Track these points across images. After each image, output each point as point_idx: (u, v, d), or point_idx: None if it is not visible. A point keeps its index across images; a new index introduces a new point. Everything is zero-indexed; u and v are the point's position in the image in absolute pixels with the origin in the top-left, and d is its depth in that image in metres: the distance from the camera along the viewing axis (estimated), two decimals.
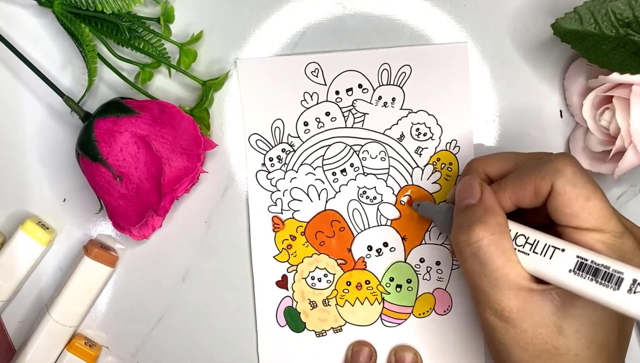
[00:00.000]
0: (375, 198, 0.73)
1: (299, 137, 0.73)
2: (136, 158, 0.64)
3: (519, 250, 0.57)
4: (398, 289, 0.74)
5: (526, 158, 0.63)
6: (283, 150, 0.73)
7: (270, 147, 0.73)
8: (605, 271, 0.51)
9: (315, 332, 0.75)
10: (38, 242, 0.72)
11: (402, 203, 0.73)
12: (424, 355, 0.74)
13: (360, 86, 0.72)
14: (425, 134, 0.73)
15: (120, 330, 0.76)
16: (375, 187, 0.73)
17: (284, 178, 0.73)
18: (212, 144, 0.70)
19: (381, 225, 0.73)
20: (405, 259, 0.74)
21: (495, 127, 0.73)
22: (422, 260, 0.74)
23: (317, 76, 0.73)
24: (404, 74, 0.72)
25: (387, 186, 0.73)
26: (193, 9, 0.73)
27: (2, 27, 0.73)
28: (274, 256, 0.74)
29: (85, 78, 0.72)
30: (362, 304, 0.74)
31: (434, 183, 0.73)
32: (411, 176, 0.73)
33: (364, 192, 0.73)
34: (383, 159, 0.73)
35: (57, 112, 0.74)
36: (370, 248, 0.74)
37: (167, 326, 0.76)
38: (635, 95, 0.63)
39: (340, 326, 0.74)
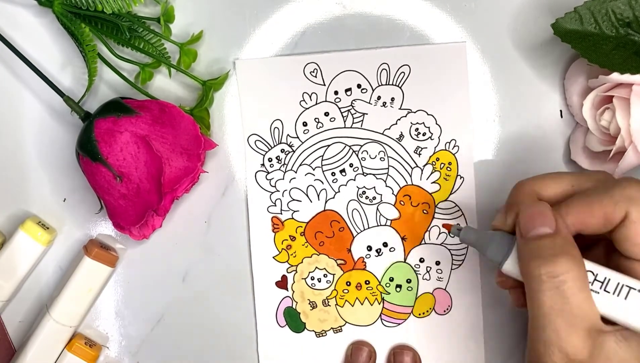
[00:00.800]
0: (374, 198, 0.73)
1: (298, 137, 0.73)
2: (136, 157, 0.64)
3: (591, 289, 0.54)
4: (398, 289, 0.74)
5: (585, 179, 0.60)
6: (282, 150, 0.73)
7: (270, 147, 0.73)
8: None
9: (315, 332, 0.75)
10: (38, 242, 0.72)
11: (402, 203, 0.73)
12: (423, 355, 0.74)
13: (359, 86, 0.72)
14: (424, 134, 0.73)
15: (120, 330, 0.76)
16: (374, 187, 0.73)
17: (283, 179, 0.73)
18: (212, 144, 0.70)
19: (381, 225, 0.73)
20: (405, 259, 0.74)
21: (495, 127, 0.73)
22: (421, 260, 0.74)
23: (315, 76, 0.73)
24: (402, 74, 0.72)
25: (386, 186, 0.73)
26: (193, 9, 0.73)
27: (2, 27, 0.73)
28: (273, 257, 0.74)
29: (85, 78, 0.72)
30: (362, 304, 0.74)
31: (433, 182, 0.73)
32: (410, 176, 0.73)
33: (364, 192, 0.73)
34: (382, 159, 0.73)
35: (57, 112, 0.74)
36: (369, 248, 0.74)
37: (167, 326, 0.75)
38: (635, 95, 0.63)
39: (340, 326, 0.74)
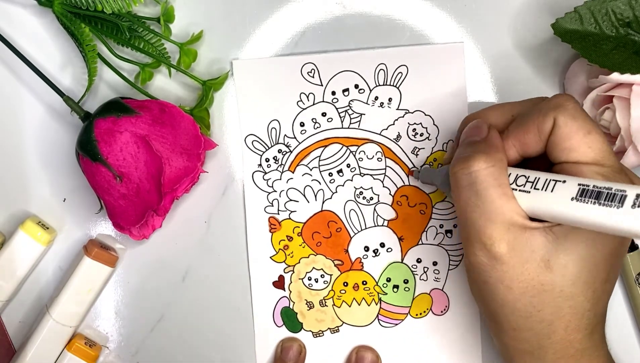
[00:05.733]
0: (371, 198, 0.73)
1: (295, 138, 0.73)
2: (136, 157, 0.64)
3: (520, 190, 0.56)
4: (395, 289, 0.74)
5: (522, 105, 0.63)
6: (279, 151, 0.73)
7: (267, 148, 0.73)
8: (607, 193, 0.50)
9: (312, 332, 0.75)
10: (38, 242, 0.72)
11: (399, 203, 0.73)
12: (421, 356, 0.74)
13: (356, 86, 0.72)
14: (421, 135, 0.73)
15: (120, 330, 0.76)
16: (372, 187, 0.73)
17: (280, 179, 0.73)
18: (212, 144, 0.70)
19: (378, 226, 0.73)
20: (402, 259, 0.74)
21: None
22: (419, 261, 0.73)
23: (313, 77, 0.73)
24: (400, 74, 0.72)
25: (383, 186, 0.73)
26: (193, 9, 0.74)
27: (2, 27, 0.73)
28: (270, 257, 0.74)
29: (85, 78, 0.73)
30: (359, 305, 0.74)
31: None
32: (408, 177, 0.73)
33: (361, 193, 0.73)
34: (379, 159, 0.73)
35: (57, 112, 0.74)
36: (367, 248, 0.73)
37: (167, 326, 0.76)
38: (635, 95, 0.63)
39: (337, 327, 0.74)
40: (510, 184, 0.57)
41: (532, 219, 0.56)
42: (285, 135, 0.73)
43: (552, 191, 0.54)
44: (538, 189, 0.55)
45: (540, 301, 0.57)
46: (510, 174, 0.58)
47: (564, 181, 0.54)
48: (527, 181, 0.56)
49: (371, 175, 0.73)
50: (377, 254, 0.73)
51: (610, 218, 0.50)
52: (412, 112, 0.73)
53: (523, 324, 0.58)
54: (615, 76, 0.64)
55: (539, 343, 0.59)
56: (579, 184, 0.52)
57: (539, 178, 0.55)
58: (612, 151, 0.57)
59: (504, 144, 0.60)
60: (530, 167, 0.59)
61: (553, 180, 0.54)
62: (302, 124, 0.73)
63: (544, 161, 0.59)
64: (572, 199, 0.52)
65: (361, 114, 0.73)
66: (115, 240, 0.75)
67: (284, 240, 0.74)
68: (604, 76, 0.65)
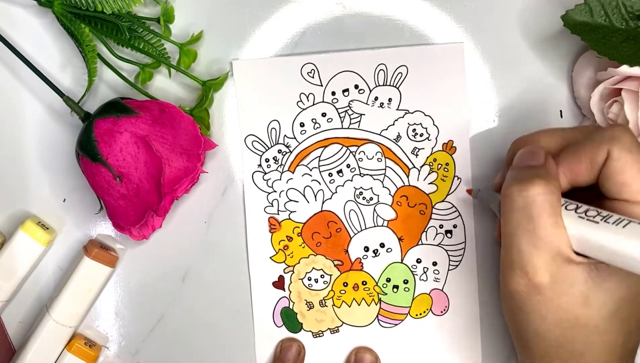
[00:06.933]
0: (371, 198, 0.73)
1: (295, 138, 0.73)
2: (136, 158, 0.64)
3: (588, 219, 0.55)
4: (395, 290, 0.74)
5: (575, 132, 0.62)
6: (279, 151, 0.73)
7: (266, 148, 0.73)
8: None
9: (312, 332, 0.75)
10: (38, 242, 0.72)
11: (399, 204, 0.73)
12: (420, 356, 0.74)
13: (356, 86, 0.72)
14: (421, 135, 0.73)
15: (120, 330, 0.76)
16: (371, 188, 0.73)
17: (280, 179, 0.73)
18: (212, 145, 0.70)
19: (378, 226, 0.73)
20: (402, 260, 0.74)
21: (496, 127, 0.73)
22: (418, 261, 0.73)
23: (313, 77, 0.73)
24: (400, 74, 0.72)
25: (383, 186, 0.73)
26: (193, 9, 0.74)
27: (2, 27, 0.73)
28: (270, 257, 0.74)
29: (85, 78, 0.73)
30: (359, 305, 0.74)
31: (431, 183, 0.73)
32: (407, 177, 0.73)
33: (361, 193, 0.73)
34: (379, 160, 0.73)
35: (57, 112, 0.74)
36: (367, 248, 0.73)
37: (167, 326, 0.76)
38: None
39: (337, 327, 0.74)
40: (579, 213, 0.56)
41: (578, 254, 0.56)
42: (285, 135, 0.73)
43: (623, 227, 0.53)
44: (609, 223, 0.54)
45: (574, 334, 0.57)
46: (580, 206, 0.57)
47: (639, 223, 0.53)
48: (598, 214, 0.55)
49: (371, 175, 0.73)
50: (377, 254, 0.73)
51: None
52: (412, 113, 0.73)
53: (554, 353, 0.58)
54: (625, 69, 0.64)
55: None
56: None
57: (611, 215, 0.55)
58: None
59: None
60: (579, 198, 0.58)
61: (627, 219, 0.53)
62: (302, 125, 0.73)
63: (595, 193, 0.59)
64: None
65: (361, 115, 0.73)
66: (115, 240, 0.75)
67: (283, 240, 0.74)
68: (613, 69, 0.65)
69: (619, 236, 0.53)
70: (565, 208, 0.57)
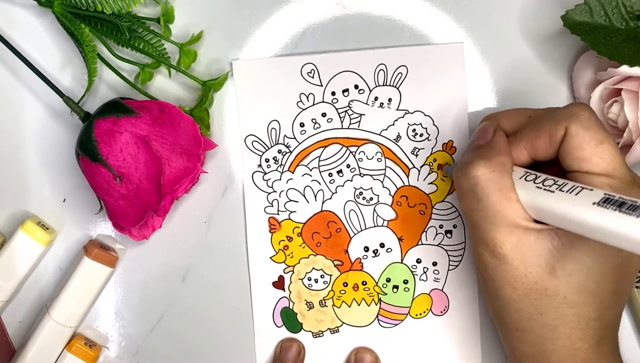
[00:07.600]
0: (371, 199, 0.73)
1: (295, 138, 0.73)
2: (136, 158, 0.64)
3: (545, 189, 0.56)
4: (395, 290, 0.74)
5: (540, 111, 0.63)
6: (279, 151, 0.73)
7: (266, 148, 0.73)
8: (631, 204, 0.50)
9: (312, 332, 0.75)
10: (38, 242, 0.72)
11: (399, 204, 0.73)
12: (420, 356, 0.74)
13: (356, 86, 0.72)
14: (421, 135, 0.73)
15: (120, 330, 0.76)
16: (371, 188, 0.73)
17: (280, 179, 0.73)
18: (212, 145, 0.70)
19: (378, 226, 0.73)
20: (402, 260, 0.74)
21: None
22: (418, 261, 0.73)
23: (313, 77, 0.73)
24: (400, 74, 0.72)
25: (383, 186, 0.73)
26: (193, 9, 0.74)
27: (2, 27, 0.73)
28: (270, 257, 0.74)
29: (85, 78, 0.73)
30: (358, 305, 0.74)
31: (431, 183, 0.73)
32: (407, 177, 0.73)
33: (361, 193, 0.73)
34: (379, 160, 0.73)
35: (57, 112, 0.74)
36: (366, 249, 0.73)
37: (167, 326, 0.76)
38: None
39: (337, 327, 0.74)
40: (537, 183, 0.57)
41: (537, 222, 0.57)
42: (285, 135, 0.73)
43: (576, 194, 0.54)
44: (563, 191, 0.55)
45: (543, 304, 0.57)
46: (539, 176, 0.58)
47: (592, 189, 0.54)
48: (554, 183, 0.56)
49: (371, 175, 0.73)
50: (377, 254, 0.73)
51: (629, 226, 0.50)
52: (411, 113, 0.73)
53: (526, 325, 0.59)
54: (624, 69, 0.65)
55: (542, 347, 0.59)
56: (605, 194, 0.52)
57: (566, 183, 0.56)
58: (623, 163, 0.57)
59: (516, 145, 0.61)
60: (542, 171, 0.59)
61: (580, 186, 0.54)
62: (302, 125, 0.73)
63: (557, 167, 0.60)
64: (593, 203, 0.52)
65: (361, 115, 0.73)
66: (115, 240, 0.75)
67: (283, 240, 0.74)
68: (613, 69, 0.65)
69: (570, 202, 0.54)
70: (525, 179, 0.58)
